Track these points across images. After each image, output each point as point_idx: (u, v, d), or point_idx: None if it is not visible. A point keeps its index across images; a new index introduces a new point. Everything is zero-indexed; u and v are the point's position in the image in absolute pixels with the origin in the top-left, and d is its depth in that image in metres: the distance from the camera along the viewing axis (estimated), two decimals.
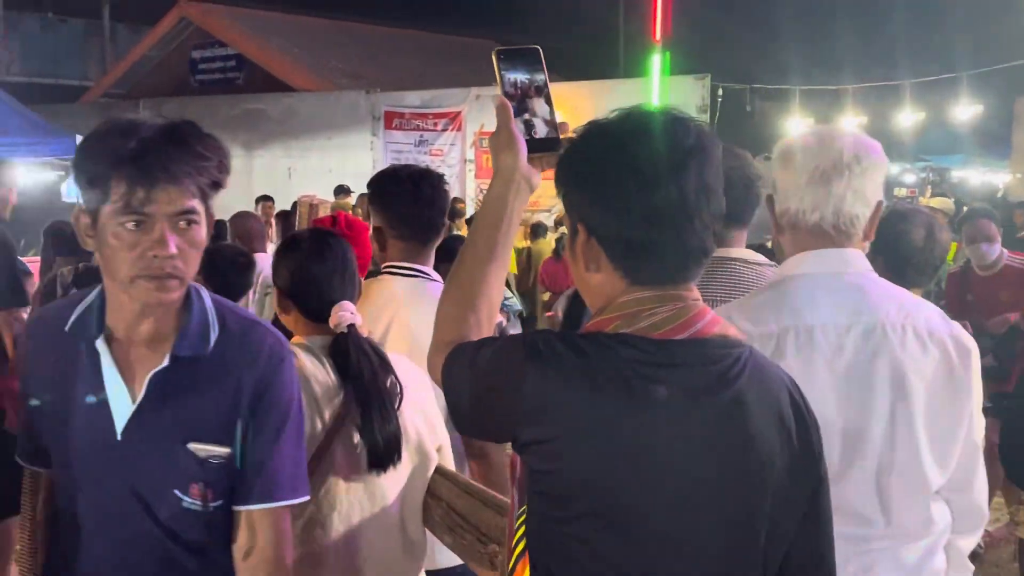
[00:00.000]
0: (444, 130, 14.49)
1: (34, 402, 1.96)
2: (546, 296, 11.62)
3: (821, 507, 1.57)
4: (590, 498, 1.43)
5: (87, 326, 1.87)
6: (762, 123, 13.63)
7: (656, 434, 1.43)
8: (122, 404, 1.85)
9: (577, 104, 13.31)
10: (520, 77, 1.68)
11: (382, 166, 15.64)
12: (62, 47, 29.16)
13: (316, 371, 2.38)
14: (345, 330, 2.38)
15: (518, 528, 1.55)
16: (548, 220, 12.67)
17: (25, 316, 4.74)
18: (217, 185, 1.81)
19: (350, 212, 11.22)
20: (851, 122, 15.67)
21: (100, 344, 1.85)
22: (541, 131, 1.67)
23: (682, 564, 1.46)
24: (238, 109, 16.67)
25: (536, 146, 1.66)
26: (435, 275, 3.02)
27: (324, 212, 6.79)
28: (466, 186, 14.26)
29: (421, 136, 14.69)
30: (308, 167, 15.80)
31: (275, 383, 1.91)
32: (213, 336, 1.88)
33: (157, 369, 1.84)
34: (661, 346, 1.45)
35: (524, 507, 1.54)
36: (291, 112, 16.15)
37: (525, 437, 1.46)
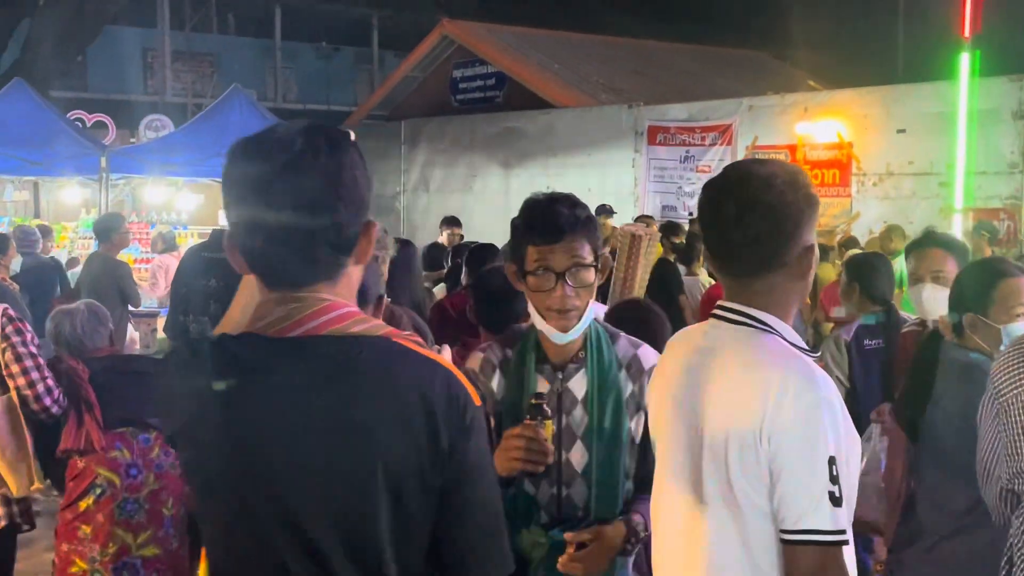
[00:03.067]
0: (712, 144, 13.38)
1: None
2: (829, 326, 10.33)
3: (459, 504, 1.66)
4: (213, 470, 1.67)
5: None
6: None
7: (262, 414, 1.62)
8: None
9: (867, 112, 11.93)
10: None
11: (644, 184, 14.83)
12: (334, 74, 30.67)
13: None
14: None
15: None
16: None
17: None
18: None
19: (615, 233, 10.34)
20: None
21: None
22: None
23: (294, 527, 1.61)
24: (497, 127, 16.22)
25: None
26: (773, 322, 2.00)
27: (650, 246, 5.49)
28: None
29: (687, 152, 13.65)
30: (566, 186, 14.97)
31: None
32: None
33: None
34: (271, 343, 1.62)
35: None
36: (549, 129, 15.51)
37: (167, 430, 1.83)
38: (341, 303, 1.65)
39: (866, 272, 4.76)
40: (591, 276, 2.48)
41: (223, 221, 11.79)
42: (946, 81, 11.04)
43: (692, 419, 1.96)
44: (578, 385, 2.53)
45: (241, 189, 1.62)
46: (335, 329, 1.61)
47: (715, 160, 13.19)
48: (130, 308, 10.93)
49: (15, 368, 4.17)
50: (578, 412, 2.52)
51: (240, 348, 1.62)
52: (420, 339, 1.71)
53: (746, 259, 1.91)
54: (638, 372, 2.56)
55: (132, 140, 16.58)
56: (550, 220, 2.47)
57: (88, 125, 16.34)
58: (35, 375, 4.19)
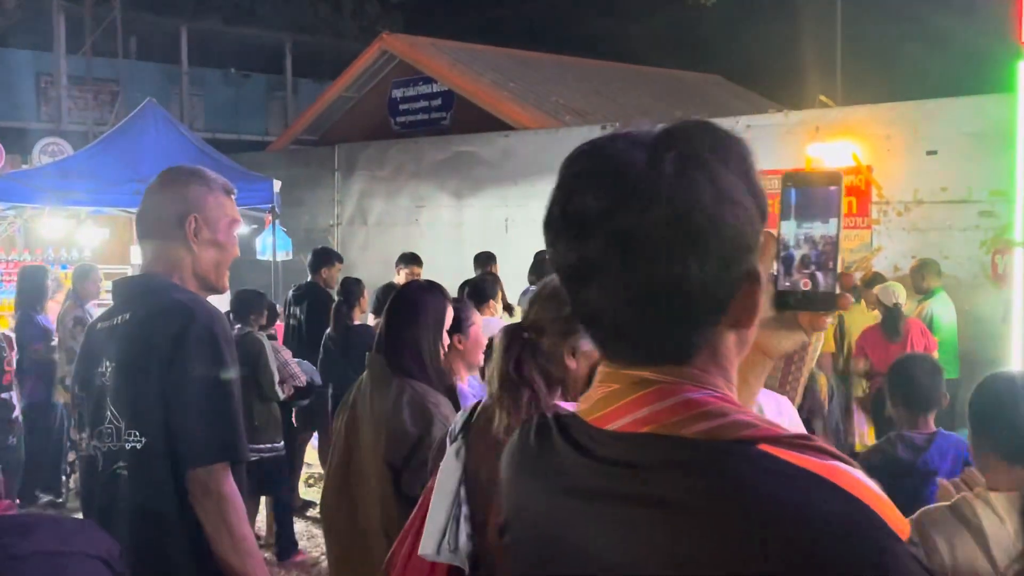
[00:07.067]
0: None
1: None
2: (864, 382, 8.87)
3: None
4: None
5: None
6: None
7: (560, 525, 1.21)
8: None
9: (890, 132, 10.54)
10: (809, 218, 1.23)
11: None
12: (244, 102, 28.92)
13: None
14: None
15: None
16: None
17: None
18: None
19: None
20: None
21: None
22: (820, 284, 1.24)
23: None
24: (447, 152, 14.49)
25: (806, 304, 1.25)
26: None
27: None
28: None
29: None
30: (529, 218, 13.35)
31: None
32: None
33: None
34: (592, 435, 1.19)
35: None
36: (508, 154, 13.83)
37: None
38: (683, 387, 1.13)
39: None
40: None
41: (135, 259, 9.33)
42: (988, 95, 9.66)
43: None
44: None
45: (557, 218, 1.18)
46: (657, 427, 1.11)
47: None
48: None
49: None
50: None
51: (562, 438, 1.22)
52: (820, 444, 1.06)
53: None
54: None
55: (24, 166, 14.42)
56: None
57: None
58: None
